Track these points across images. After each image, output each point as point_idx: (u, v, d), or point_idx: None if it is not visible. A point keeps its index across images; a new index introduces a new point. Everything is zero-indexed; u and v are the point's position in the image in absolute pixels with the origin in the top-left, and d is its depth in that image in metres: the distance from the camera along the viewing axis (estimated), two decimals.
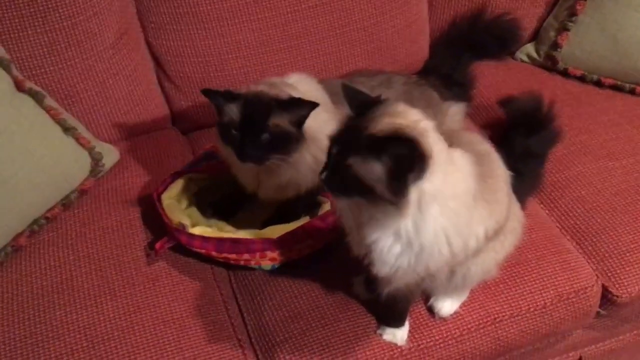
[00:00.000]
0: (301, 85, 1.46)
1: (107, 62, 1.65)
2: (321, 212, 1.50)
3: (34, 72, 1.56)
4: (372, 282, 1.30)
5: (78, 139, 1.53)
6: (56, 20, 1.54)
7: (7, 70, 1.43)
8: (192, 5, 1.70)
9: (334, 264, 1.43)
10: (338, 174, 1.04)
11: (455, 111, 1.80)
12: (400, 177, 1.00)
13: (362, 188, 1.02)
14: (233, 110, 1.34)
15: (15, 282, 1.39)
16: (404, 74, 1.88)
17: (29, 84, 1.48)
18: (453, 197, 1.07)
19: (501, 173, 1.25)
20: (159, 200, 1.47)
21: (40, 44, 1.54)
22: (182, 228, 1.42)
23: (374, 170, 1.00)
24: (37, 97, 1.47)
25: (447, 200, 1.06)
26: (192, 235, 1.42)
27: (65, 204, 1.52)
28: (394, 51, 1.94)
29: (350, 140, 1.04)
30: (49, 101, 1.51)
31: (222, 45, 1.76)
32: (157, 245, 1.43)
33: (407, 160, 0.99)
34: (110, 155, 1.64)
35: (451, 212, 1.08)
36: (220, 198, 1.57)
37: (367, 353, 1.33)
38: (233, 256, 1.42)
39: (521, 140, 1.64)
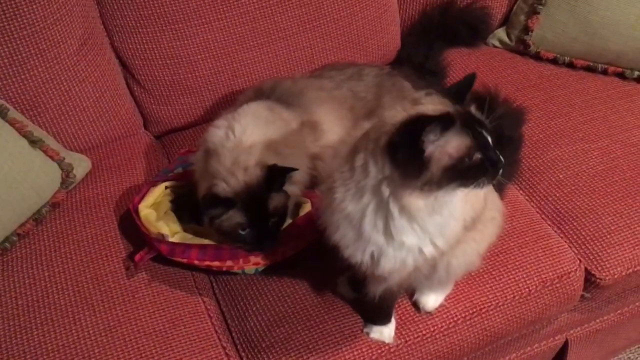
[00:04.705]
0: (248, 128, 1.43)
1: (72, 70, 1.60)
2: (302, 212, 1.48)
3: None
4: (357, 281, 1.29)
5: (46, 151, 1.49)
6: (16, 29, 1.48)
7: None
8: (157, 7, 1.66)
9: (318, 265, 1.41)
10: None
11: None
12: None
13: None
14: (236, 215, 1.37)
15: None
16: (377, 65, 1.86)
17: None
18: None
19: None
20: (136, 212, 1.43)
21: (1, 54, 1.49)
22: (162, 238, 1.39)
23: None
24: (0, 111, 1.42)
25: None
26: (173, 245, 1.38)
27: (37, 218, 1.48)
28: (365, 43, 1.92)
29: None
30: (13, 114, 1.46)
31: (191, 45, 1.72)
32: (137, 257, 1.39)
33: None
34: (82, 165, 1.59)
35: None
36: (197, 203, 1.54)
37: (355, 353, 1.31)
38: (216, 263, 1.39)
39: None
